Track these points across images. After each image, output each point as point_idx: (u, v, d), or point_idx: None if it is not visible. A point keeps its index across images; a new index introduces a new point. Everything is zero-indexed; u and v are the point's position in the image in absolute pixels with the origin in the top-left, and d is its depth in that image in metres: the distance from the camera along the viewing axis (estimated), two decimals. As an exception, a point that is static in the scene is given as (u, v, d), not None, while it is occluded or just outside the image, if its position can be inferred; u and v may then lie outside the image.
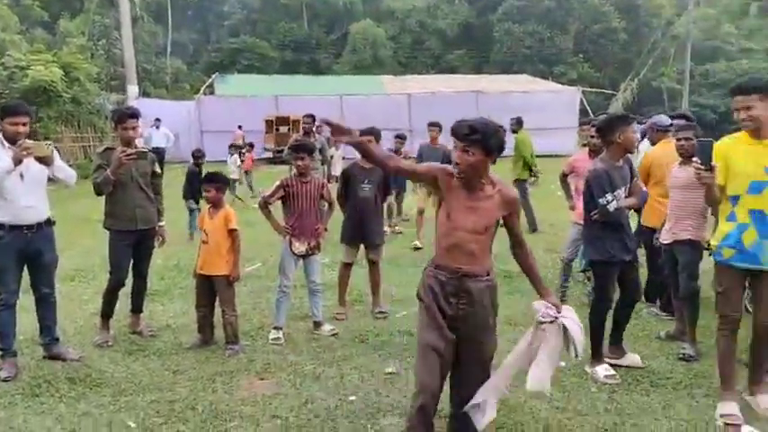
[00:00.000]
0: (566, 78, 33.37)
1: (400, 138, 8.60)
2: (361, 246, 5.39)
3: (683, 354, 4.34)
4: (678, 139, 4.60)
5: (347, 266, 5.35)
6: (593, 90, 30.17)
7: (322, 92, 25.01)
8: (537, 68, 33.90)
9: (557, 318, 2.96)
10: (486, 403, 2.89)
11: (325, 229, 4.98)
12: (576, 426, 3.42)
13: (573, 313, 3.05)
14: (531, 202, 8.99)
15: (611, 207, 3.95)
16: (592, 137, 5.34)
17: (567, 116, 23.53)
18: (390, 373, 4.09)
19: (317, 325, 4.91)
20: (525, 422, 3.45)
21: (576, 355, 3.05)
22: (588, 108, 25.84)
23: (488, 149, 2.71)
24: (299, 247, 4.78)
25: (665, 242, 4.67)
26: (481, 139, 2.69)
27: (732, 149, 3.53)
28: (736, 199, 3.51)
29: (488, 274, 2.87)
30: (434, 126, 7.93)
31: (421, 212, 8.02)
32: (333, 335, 4.82)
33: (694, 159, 3.47)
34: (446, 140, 7.80)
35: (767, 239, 3.44)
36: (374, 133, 4.95)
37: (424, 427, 2.84)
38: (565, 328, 2.98)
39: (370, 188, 5.18)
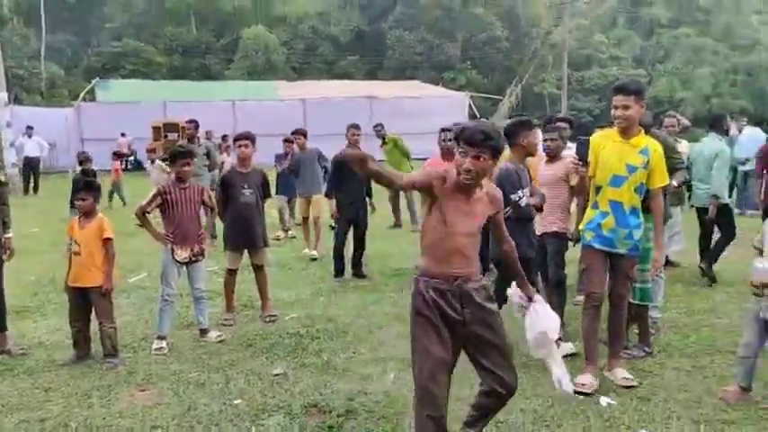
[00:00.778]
0: (455, 84, 34.68)
1: (289, 141, 8.63)
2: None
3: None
4: (544, 140, 4.96)
5: (232, 272, 5.28)
6: (481, 95, 31.54)
7: (213, 97, 24.43)
8: (428, 74, 34.95)
9: (524, 309, 3.06)
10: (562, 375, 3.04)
11: (214, 237, 4.92)
12: (451, 411, 3.59)
13: (546, 310, 3.08)
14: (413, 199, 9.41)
15: (523, 202, 4.24)
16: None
17: (457, 120, 24.39)
18: (278, 375, 4.10)
19: (204, 332, 4.82)
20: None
21: (532, 353, 3.12)
22: (476, 112, 27.07)
23: (497, 153, 2.72)
24: (182, 254, 4.67)
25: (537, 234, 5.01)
26: (494, 144, 2.67)
27: (601, 144, 3.92)
28: (599, 189, 3.89)
29: (479, 276, 2.84)
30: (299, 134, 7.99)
31: (305, 220, 7.92)
32: (220, 341, 4.74)
33: (573, 156, 3.81)
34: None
35: (622, 228, 3.83)
36: (250, 138, 5.02)
37: None
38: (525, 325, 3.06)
39: (250, 192, 5.16)
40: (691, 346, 4.51)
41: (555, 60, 40.67)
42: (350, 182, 6.49)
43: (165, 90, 26.55)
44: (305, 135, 7.77)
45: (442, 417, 2.73)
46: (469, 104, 27.03)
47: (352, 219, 6.60)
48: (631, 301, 4.25)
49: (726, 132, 7.10)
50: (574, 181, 4.56)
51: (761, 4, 49.95)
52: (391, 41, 37.44)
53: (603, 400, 3.66)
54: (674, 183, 5.15)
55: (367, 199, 6.82)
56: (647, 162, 3.82)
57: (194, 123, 8.27)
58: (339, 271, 6.60)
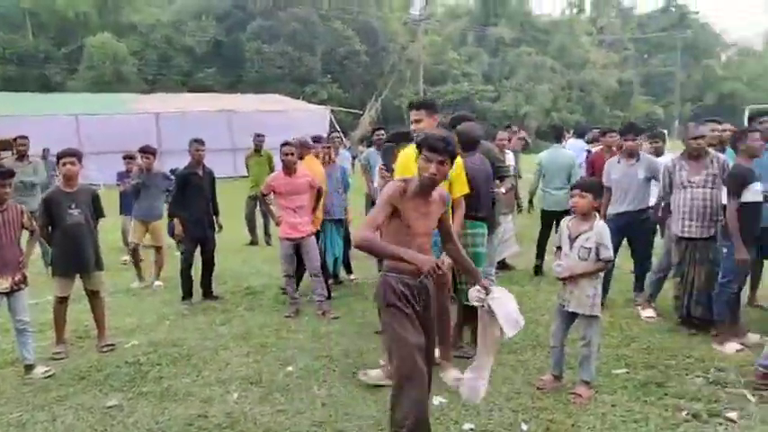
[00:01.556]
0: (317, 98, 34.85)
1: (130, 157, 8.18)
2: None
3: None
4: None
5: (62, 300, 4.94)
6: (342, 109, 32.02)
7: (54, 111, 22.58)
8: (289, 88, 34.82)
9: (484, 300, 3.13)
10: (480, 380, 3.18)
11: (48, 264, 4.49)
12: (293, 425, 3.66)
13: (504, 293, 3.19)
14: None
15: None
16: None
17: (319, 134, 24.60)
18: (111, 407, 3.91)
19: (29, 368, 4.47)
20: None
21: (507, 336, 3.13)
22: (337, 126, 27.46)
23: (454, 158, 3.04)
24: (2, 283, 4.32)
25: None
26: (453, 150, 2.98)
27: (410, 156, 4.12)
28: None
29: None
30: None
31: (137, 249, 7.34)
32: (47, 377, 4.42)
33: (381, 164, 4.05)
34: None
35: None
36: (76, 155, 4.80)
37: (425, 415, 3.04)
38: (493, 311, 3.10)
39: (79, 212, 4.86)
40: (517, 343, 4.92)
41: (412, 75, 42.37)
42: (195, 200, 6.33)
43: (-4, 103, 24.08)
44: (153, 154, 7.37)
45: (426, 398, 3.07)
46: (330, 118, 27.33)
47: (199, 238, 6.44)
48: (464, 303, 4.59)
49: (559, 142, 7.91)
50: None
51: (591, 27, 55.78)
52: (250, 53, 36.87)
53: (436, 400, 3.91)
54: (503, 190, 5.65)
55: (214, 217, 6.66)
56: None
57: (25, 139, 7.63)
58: (187, 293, 6.41)
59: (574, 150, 8.30)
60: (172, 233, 6.87)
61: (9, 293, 4.38)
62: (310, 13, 37.78)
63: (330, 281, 6.94)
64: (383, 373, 4.16)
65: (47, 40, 37.05)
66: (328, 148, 6.96)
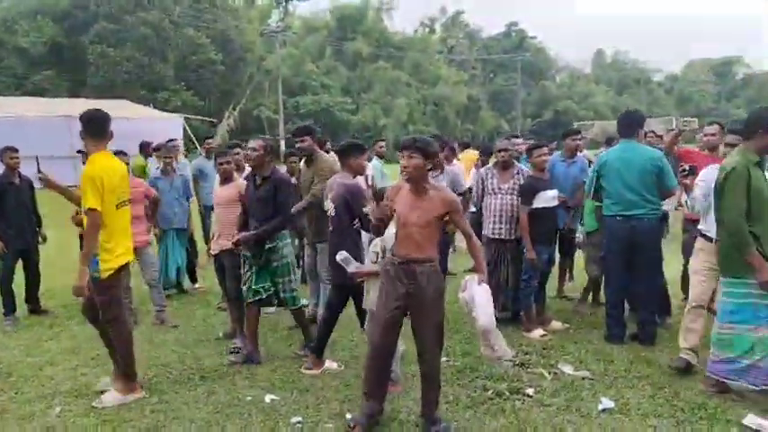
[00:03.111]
0: (171, 105, 33.45)
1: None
2: None
3: (234, 348, 4.97)
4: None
5: None
6: (197, 117, 31.04)
7: None
8: (139, 94, 33.08)
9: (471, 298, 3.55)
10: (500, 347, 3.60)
11: None
12: None
13: (483, 293, 3.53)
14: None
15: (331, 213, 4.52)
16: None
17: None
18: None
19: None
20: None
21: (479, 324, 3.54)
22: (192, 135, 26.61)
23: (426, 154, 3.41)
24: None
25: (214, 252, 5.31)
26: (421, 146, 3.41)
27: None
28: None
29: (431, 261, 3.50)
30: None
31: None
32: None
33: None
34: None
35: None
36: None
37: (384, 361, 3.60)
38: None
39: None
40: (352, 340, 5.23)
41: (271, 86, 42.12)
42: (16, 210, 5.95)
43: None
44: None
45: (381, 360, 3.60)
46: (184, 127, 26.41)
47: (21, 250, 6.04)
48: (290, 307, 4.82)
49: None
50: None
51: (442, 46, 59.07)
52: (93, 57, 34.49)
53: (267, 397, 4.06)
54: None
55: (37, 228, 6.27)
56: None
57: None
58: (9, 308, 5.98)
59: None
60: None
61: None
62: (161, 19, 36.21)
63: (173, 289, 6.86)
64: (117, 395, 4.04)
65: None
66: (168, 157, 6.88)
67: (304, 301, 5.37)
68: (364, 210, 4.06)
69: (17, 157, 6.08)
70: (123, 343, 4.08)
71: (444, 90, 50.44)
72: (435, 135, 10.37)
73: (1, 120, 21.34)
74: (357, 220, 4.33)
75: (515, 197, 5.50)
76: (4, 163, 6.08)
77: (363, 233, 4.38)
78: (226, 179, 5.29)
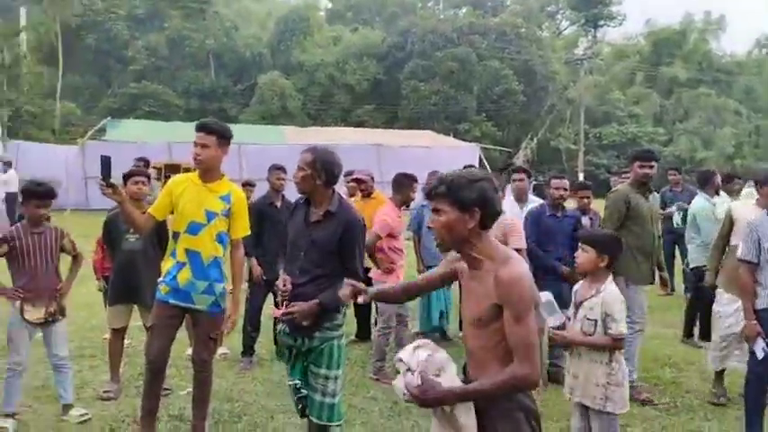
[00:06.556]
0: (470, 135, 34.24)
1: (249, 185, 7.80)
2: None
3: None
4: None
5: (117, 332, 4.51)
6: (493, 147, 31.05)
7: (218, 140, 24.22)
8: (443, 125, 34.63)
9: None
10: None
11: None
12: None
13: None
14: None
15: None
16: None
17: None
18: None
19: (66, 408, 4.06)
20: None
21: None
22: (487, 164, 26.52)
23: (461, 204, 2.03)
24: (35, 313, 3.85)
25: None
26: (447, 192, 2.05)
27: (180, 187, 3.52)
28: (177, 236, 3.51)
29: (509, 401, 1.99)
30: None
31: None
32: (82, 421, 3.99)
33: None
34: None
35: (200, 280, 3.44)
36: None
37: None
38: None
39: (136, 239, 4.36)
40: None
41: (572, 115, 40.34)
42: (273, 236, 5.16)
43: (173, 131, 26.47)
44: None
45: None
46: (480, 156, 26.49)
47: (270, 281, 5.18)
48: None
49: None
50: None
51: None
52: (406, 91, 37.35)
53: None
54: None
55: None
56: (228, 209, 3.51)
57: (143, 161, 7.81)
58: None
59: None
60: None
61: (43, 324, 3.92)
62: (468, 53, 37.55)
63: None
64: None
65: (226, 77, 40.66)
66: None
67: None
68: None
69: (284, 178, 5.39)
70: None
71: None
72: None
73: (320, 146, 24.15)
74: None
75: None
76: (271, 182, 5.48)
77: None
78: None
